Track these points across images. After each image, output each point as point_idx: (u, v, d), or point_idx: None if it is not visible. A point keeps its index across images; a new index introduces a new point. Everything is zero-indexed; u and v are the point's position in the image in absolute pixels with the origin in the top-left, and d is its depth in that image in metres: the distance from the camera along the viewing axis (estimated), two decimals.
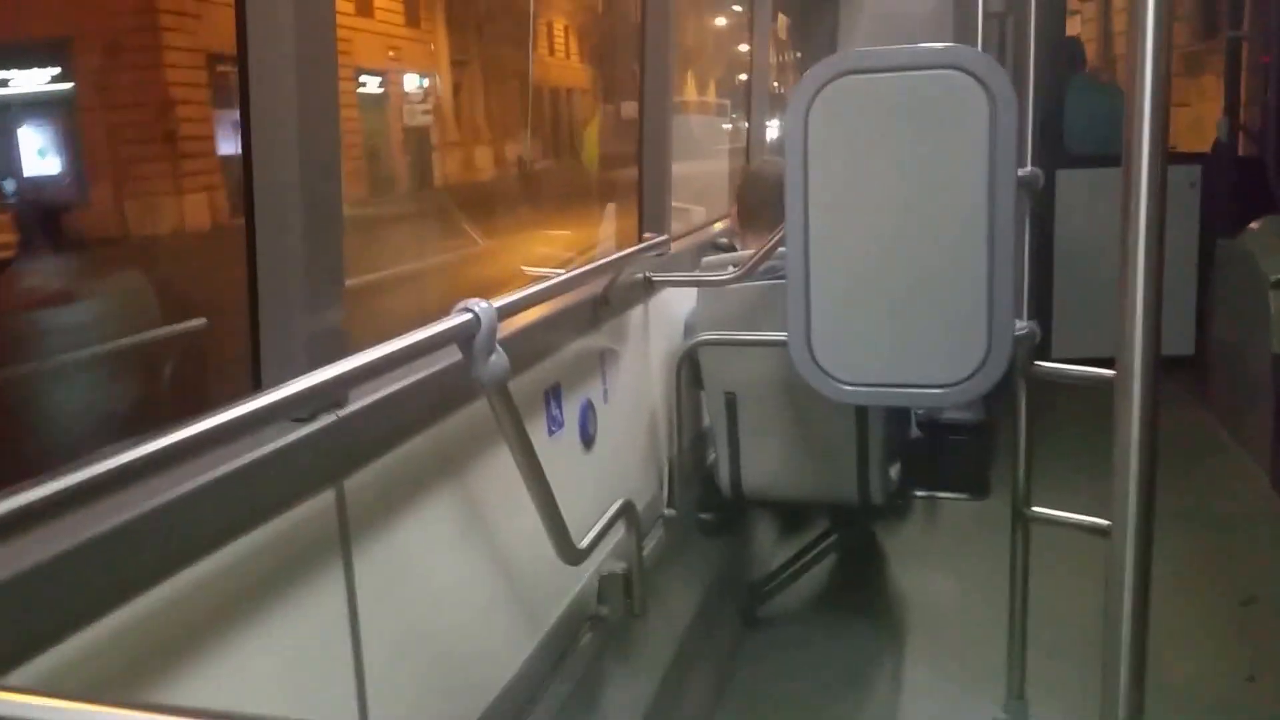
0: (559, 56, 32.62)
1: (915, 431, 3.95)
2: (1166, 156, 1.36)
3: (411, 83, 25.78)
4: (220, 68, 16.12)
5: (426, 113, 25.20)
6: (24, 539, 1.09)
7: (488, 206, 20.45)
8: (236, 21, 1.62)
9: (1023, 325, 2.70)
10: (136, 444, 1.18)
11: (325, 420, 1.65)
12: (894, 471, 3.62)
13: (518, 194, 22.74)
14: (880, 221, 2.23)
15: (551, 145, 29.58)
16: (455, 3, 27.71)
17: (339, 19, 1.71)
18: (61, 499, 1.08)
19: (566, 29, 32.78)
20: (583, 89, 32.61)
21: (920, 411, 3.97)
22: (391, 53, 24.67)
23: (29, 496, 1.05)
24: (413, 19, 26.03)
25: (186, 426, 1.25)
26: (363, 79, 23.38)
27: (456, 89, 27.31)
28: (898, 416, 3.68)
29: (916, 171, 2.18)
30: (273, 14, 1.60)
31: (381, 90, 24.55)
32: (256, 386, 1.69)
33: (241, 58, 1.64)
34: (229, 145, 16.03)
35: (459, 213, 18.02)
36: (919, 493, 4.88)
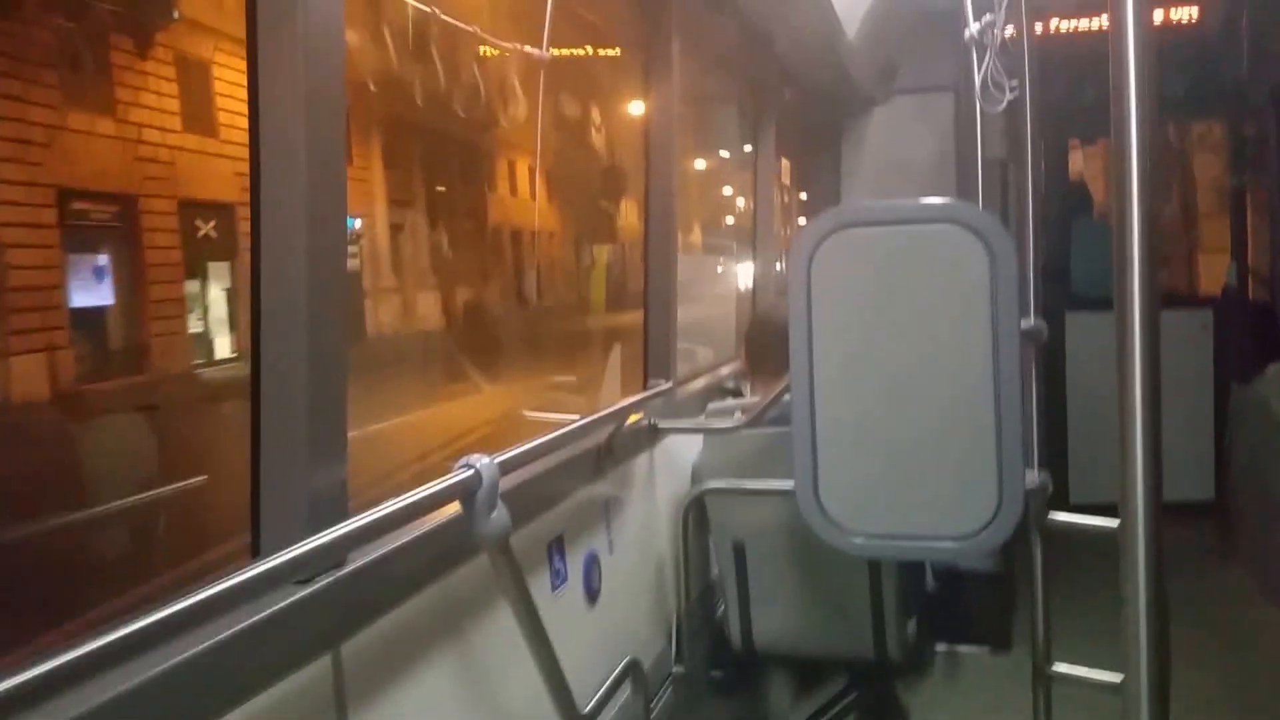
0: (523, 197, 30.51)
1: (932, 583, 3.87)
2: (1158, 297, 1.35)
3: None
4: (76, 204, 13.96)
5: (353, 256, 23.07)
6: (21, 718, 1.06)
7: (416, 363, 19.46)
8: (251, 196, 1.65)
9: (1034, 476, 2.68)
10: (133, 618, 1.16)
11: (324, 582, 1.62)
12: (911, 625, 3.53)
13: (456, 347, 21.58)
14: (885, 373, 2.21)
15: (513, 290, 27.30)
16: (398, 141, 24.88)
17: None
18: (57, 676, 1.07)
19: (534, 170, 30.33)
20: (551, 231, 29.79)
21: (936, 563, 3.90)
22: None
23: (22, 676, 1.03)
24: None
25: (184, 598, 1.23)
26: None
27: (396, 230, 25.64)
28: (913, 568, 3.60)
29: (918, 324, 2.18)
30: (284, 182, 1.63)
31: None
32: (255, 549, 1.67)
33: (255, 229, 1.66)
34: (85, 296, 13.39)
35: (377, 372, 15.76)
36: (939, 646, 4.77)
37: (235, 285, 16.38)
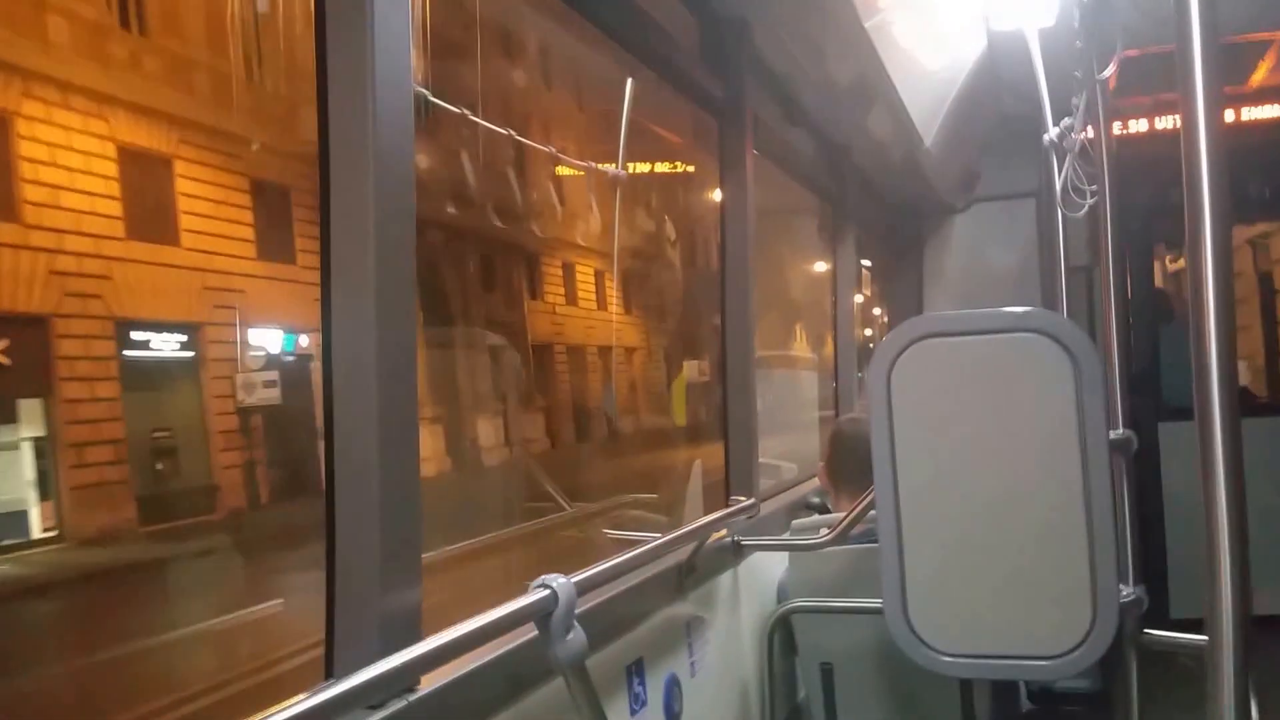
0: (592, 310, 28.24)
1: (1026, 704, 3.73)
2: (1237, 403, 1.30)
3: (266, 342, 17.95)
4: None
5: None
6: None
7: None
8: (322, 331, 1.67)
9: (1129, 591, 2.60)
10: None
11: (397, 707, 1.59)
12: None
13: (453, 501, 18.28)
14: (972, 486, 2.17)
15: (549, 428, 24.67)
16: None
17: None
18: None
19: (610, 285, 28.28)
20: (629, 347, 27.60)
21: (1030, 682, 3.76)
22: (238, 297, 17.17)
23: None
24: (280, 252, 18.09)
25: None
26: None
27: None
28: (1007, 687, 3.48)
29: (1004, 436, 2.14)
30: (354, 304, 1.64)
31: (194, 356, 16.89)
32: (329, 672, 1.65)
33: (326, 354, 1.67)
34: None
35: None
36: None
37: (53, 431, 13.58)
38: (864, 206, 5.80)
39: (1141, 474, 3.02)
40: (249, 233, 17.42)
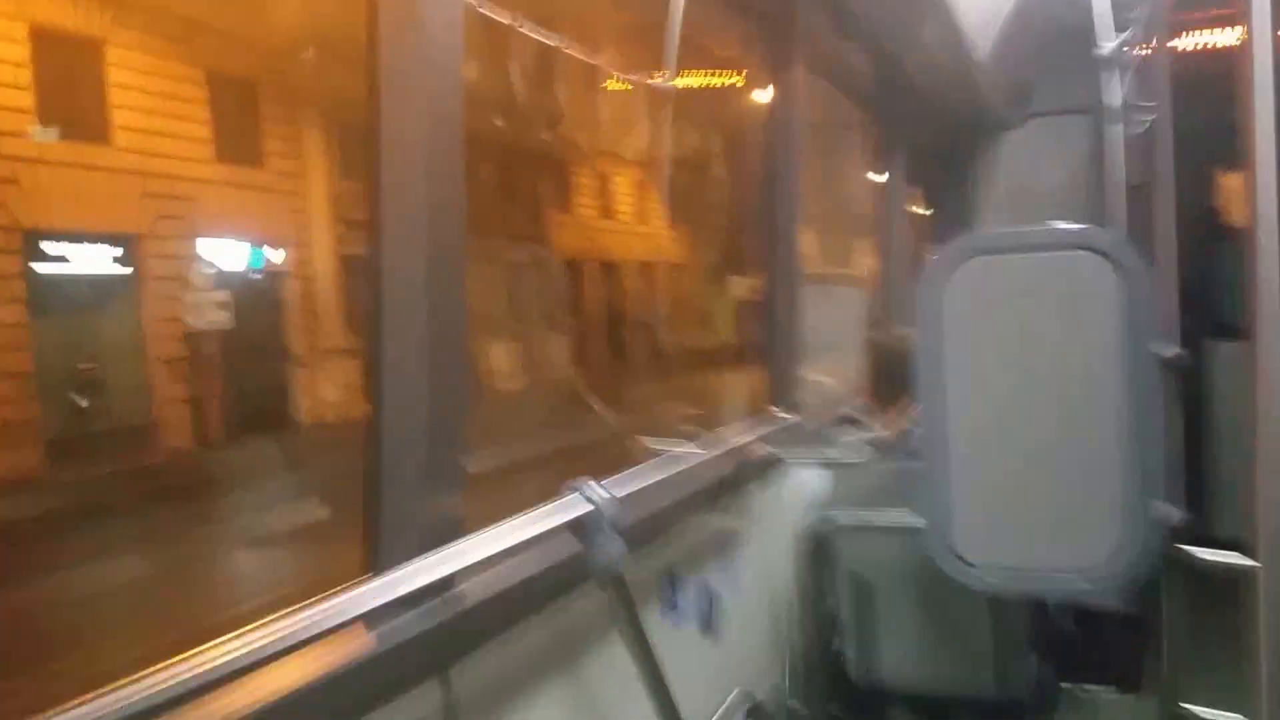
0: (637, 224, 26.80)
1: (1060, 619, 3.74)
2: None
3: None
4: None
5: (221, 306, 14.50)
6: None
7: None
8: (370, 235, 1.67)
9: (1170, 509, 2.59)
10: (243, 635, 1.20)
11: (434, 602, 1.62)
12: (1041, 667, 3.41)
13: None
14: (1018, 403, 2.17)
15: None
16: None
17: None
18: (174, 696, 1.10)
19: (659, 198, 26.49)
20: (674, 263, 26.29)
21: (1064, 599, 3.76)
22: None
23: (143, 691, 1.08)
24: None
25: (291, 614, 1.26)
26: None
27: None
28: (1044, 606, 3.48)
29: (1052, 352, 2.13)
30: (403, 211, 1.65)
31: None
32: (368, 567, 1.67)
33: (374, 249, 1.68)
34: None
35: None
36: (1065, 685, 4.59)
37: None
38: (914, 120, 5.71)
39: (1187, 392, 2.99)
40: (203, 132, 14.88)
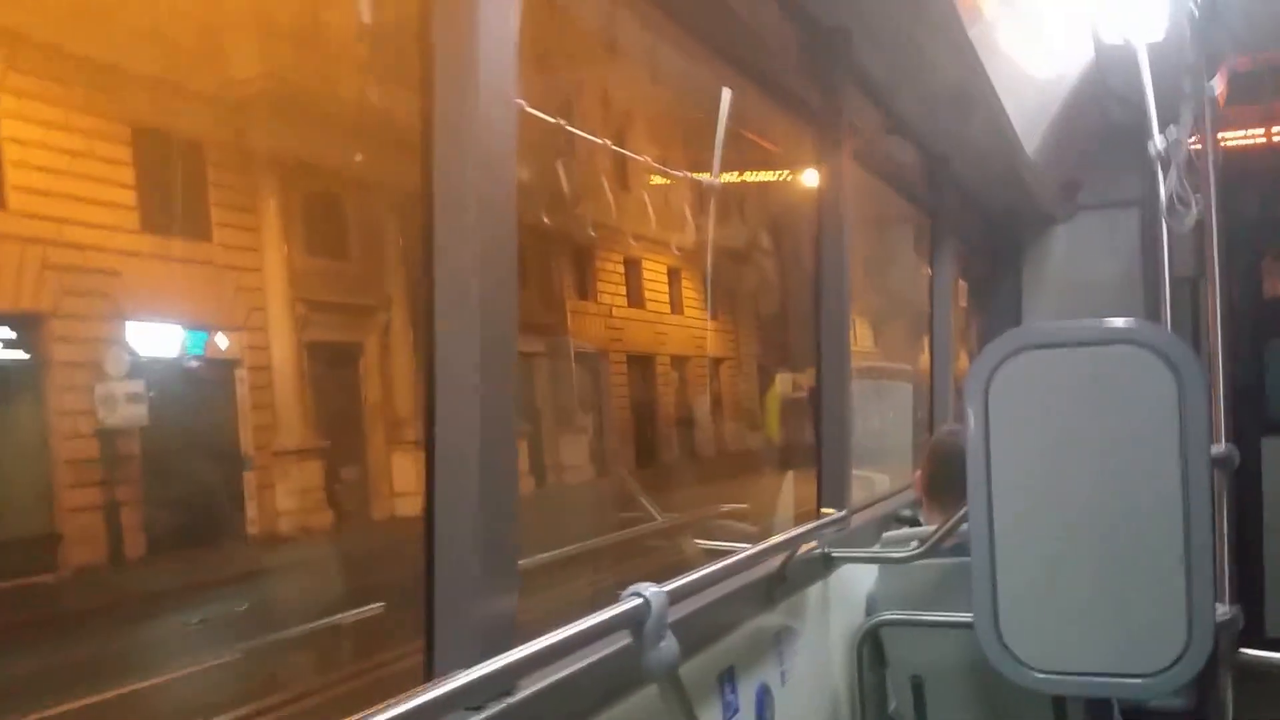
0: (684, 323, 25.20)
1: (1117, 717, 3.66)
2: None
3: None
4: None
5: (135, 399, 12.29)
6: None
7: None
8: (425, 338, 1.71)
9: (1225, 610, 2.56)
10: None
11: (494, 709, 1.63)
12: None
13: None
14: (1068, 500, 2.15)
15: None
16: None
17: None
18: None
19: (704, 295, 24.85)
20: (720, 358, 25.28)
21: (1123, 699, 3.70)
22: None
23: None
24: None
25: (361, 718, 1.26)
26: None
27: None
28: (1099, 704, 3.42)
29: (1103, 449, 2.12)
30: (458, 318, 1.68)
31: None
32: (428, 675, 1.69)
33: (428, 363, 1.71)
34: None
35: None
36: None
37: None
38: (962, 215, 5.74)
39: (1241, 489, 2.97)
40: (126, 197, 12.92)
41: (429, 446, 1.71)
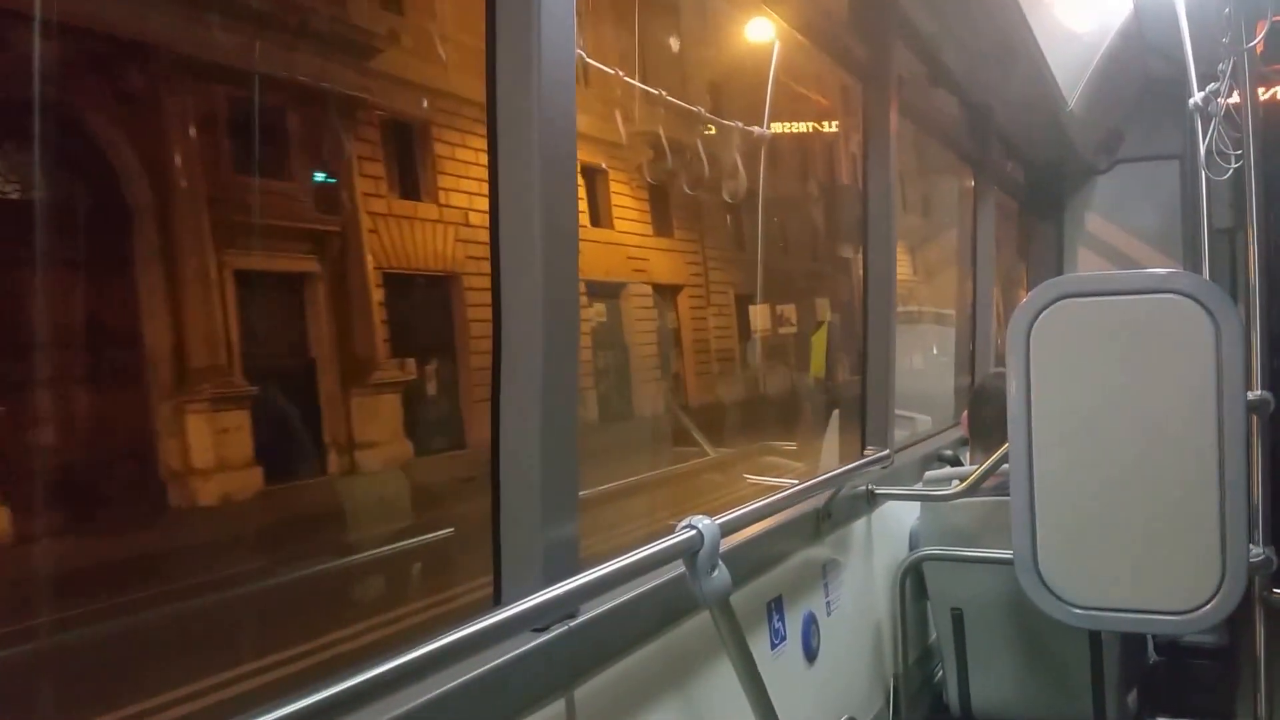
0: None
1: (1154, 656, 3.77)
2: None
3: None
4: None
5: None
6: None
7: None
8: (492, 274, 1.79)
9: (1258, 551, 2.64)
10: (383, 659, 1.28)
11: (558, 631, 1.73)
12: (1132, 698, 3.46)
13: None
14: (1106, 444, 2.22)
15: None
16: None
17: None
18: (311, 713, 1.17)
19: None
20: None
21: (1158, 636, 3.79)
22: None
23: (269, 717, 1.13)
24: None
25: (430, 641, 1.35)
26: None
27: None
28: (1135, 639, 3.53)
29: (1141, 395, 2.19)
30: (520, 253, 1.76)
31: None
32: (496, 598, 1.79)
33: (495, 299, 1.79)
34: None
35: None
36: (1160, 719, 4.61)
37: None
38: (1004, 167, 5.77)
39: (1276, 435, 3.01)
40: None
41: (495, 385, 1.79)
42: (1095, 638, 3.28)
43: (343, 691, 1.21)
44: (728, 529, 2.03)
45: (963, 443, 4.38)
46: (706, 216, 23.35)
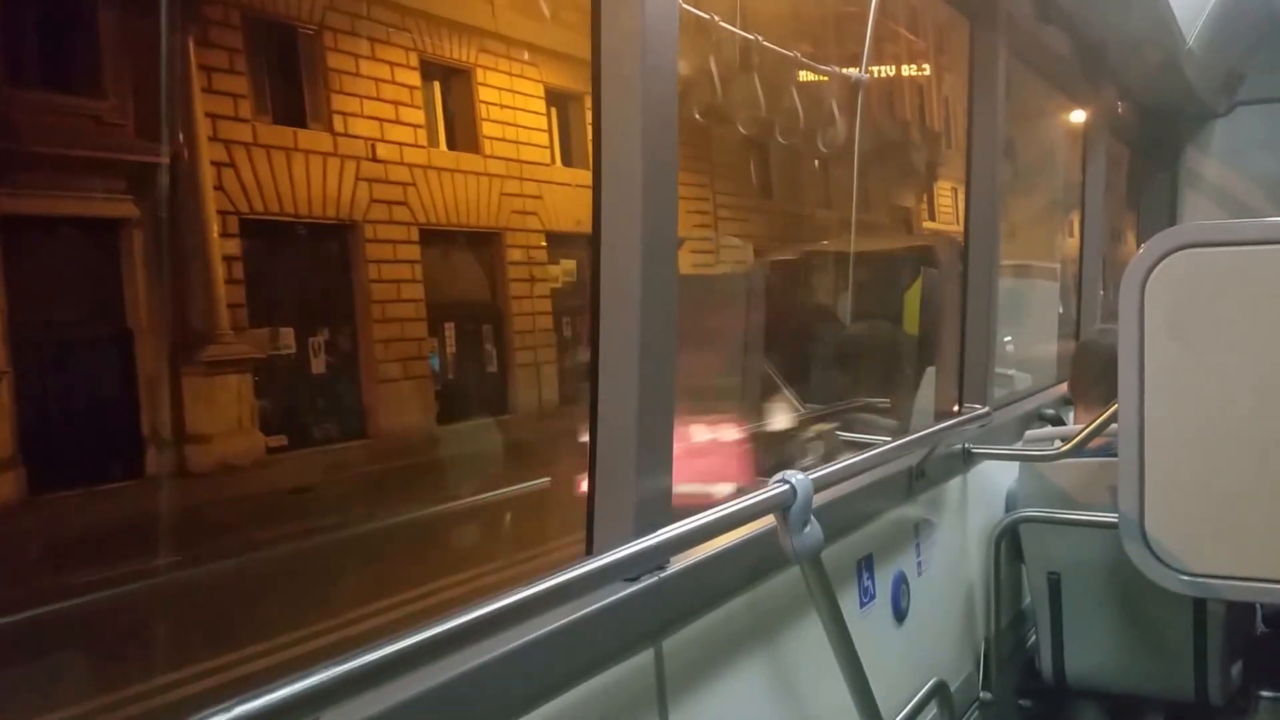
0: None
1: (1261, 627, 3.63)
2: None
3: None
4: None
5: None
6: (373, 692, 1.19)
7: None
8: (592, 246, 1.76)
9: None
10: (478, 605, 1.29)
11: (649, 581, 1.71)
12: (1236, 670, 3.33)
13: None
14: (1225, 403, 2.13)
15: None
16: None
17: None
18: (408, 655, 1.19)
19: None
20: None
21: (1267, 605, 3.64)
22: None
23: (376, 654, 1.14)
24: None
25: (526, 588, 1.36)
26: None
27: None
28: (1242, 609, 3.39)
29: (1265, 352, 2.08)
30: (621, 218, 1.74)
31: None
32: (589, 548, 1.79)
33: (595, 271, 1.77)
34: None
35: None
36: (1265, 693, 4.45)
37: None
38: (1117, 110, 5.57)
39: None
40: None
41: (594, 344, 1.78)
42: (1200, 606, 3.16)
43: (442, 633, 1.23)
44: (820, 484, 2.00)
45: (1065, 402, 4.23)
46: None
